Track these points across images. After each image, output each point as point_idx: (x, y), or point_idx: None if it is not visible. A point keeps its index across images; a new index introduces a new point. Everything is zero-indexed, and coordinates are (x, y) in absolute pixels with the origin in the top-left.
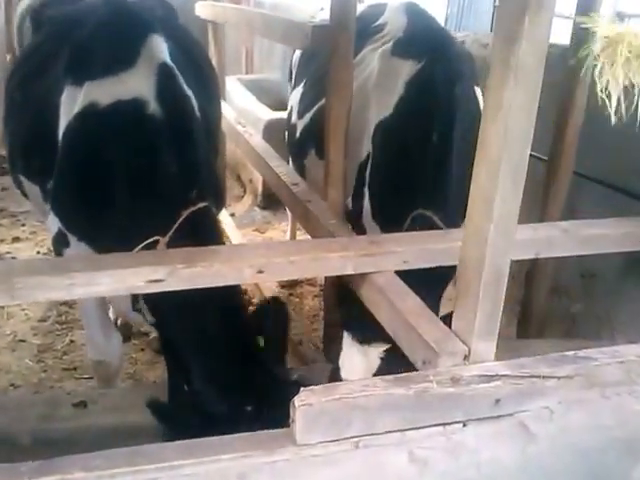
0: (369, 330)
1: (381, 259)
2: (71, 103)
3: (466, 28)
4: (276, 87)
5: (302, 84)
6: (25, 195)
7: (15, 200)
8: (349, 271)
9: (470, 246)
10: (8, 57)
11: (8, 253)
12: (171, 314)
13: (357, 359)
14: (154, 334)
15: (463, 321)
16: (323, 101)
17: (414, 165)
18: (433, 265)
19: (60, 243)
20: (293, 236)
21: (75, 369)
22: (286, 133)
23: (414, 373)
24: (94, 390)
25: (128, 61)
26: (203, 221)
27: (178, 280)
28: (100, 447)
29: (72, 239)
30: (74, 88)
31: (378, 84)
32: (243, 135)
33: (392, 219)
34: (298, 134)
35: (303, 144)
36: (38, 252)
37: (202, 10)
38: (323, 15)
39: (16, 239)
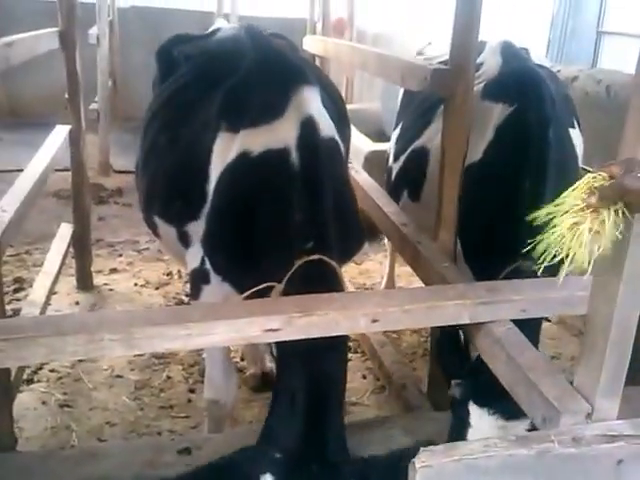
0: (504, 402)
1: (499, 308)
2: (226, 150)
3: (568, 54)
4: (376, 117)
5: (399, 126)
6: (156, 235)
7: (112, 230)
8: (465, 320)
9: (598, 301)
10: (110, 82)
11: (106, 285)
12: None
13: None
14: (251, 371)
15: (587, 378)
16: (416, 144)
17: (507, 214)
18: (552, 314)
19: (200, 279)
20: (392, 269)
21: (172, 407)
22: (385, 175)
23: (535, 433)
24: (198, 434)
25: (279, 110)
26: (318, 271)
27: (294, 329)
28: None
29: (215, 278)
30: (229, 135)
31: None
32: (349, 170)
33: (487, 270)
34: (393, 177)
35: (397, 187)
36: (135, 284)
37: (311, 45)
38: (431, 50)
39: (113, 270)
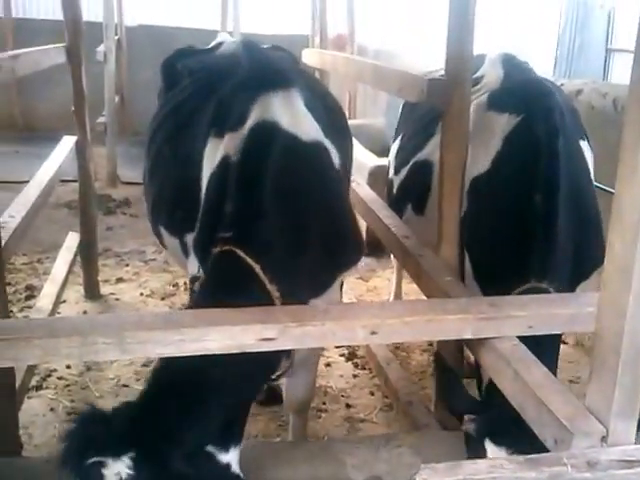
0: (522, 437)
1: (503, 323)
2: (213, 155)
3: (576, 71)
4: (380, 133)
5: (399, 139)
6: (163, 245)
7: (119, 240)
8: (467, 335)
9: (606, 317)
10: (117, 98)
11: (112, 294)
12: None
13: None
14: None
15: (599, 397)
16: (418, 156)
17: (518, 229)
18: (560, 332)
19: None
20: (399, 286)
21: None
22: (385, 188)
23: (546, 454)
24: None
25: (245, 116)
26: (228, 262)
27: (289, 339)
28: None
29: None
30: (217, 140)
31: (473, 138)
32: (350, 184)
33: (498, 287)
34: (395, 190)
35: (400, 200)
36: (141, 294)
37: (310, 58)
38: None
39: (120, 280)
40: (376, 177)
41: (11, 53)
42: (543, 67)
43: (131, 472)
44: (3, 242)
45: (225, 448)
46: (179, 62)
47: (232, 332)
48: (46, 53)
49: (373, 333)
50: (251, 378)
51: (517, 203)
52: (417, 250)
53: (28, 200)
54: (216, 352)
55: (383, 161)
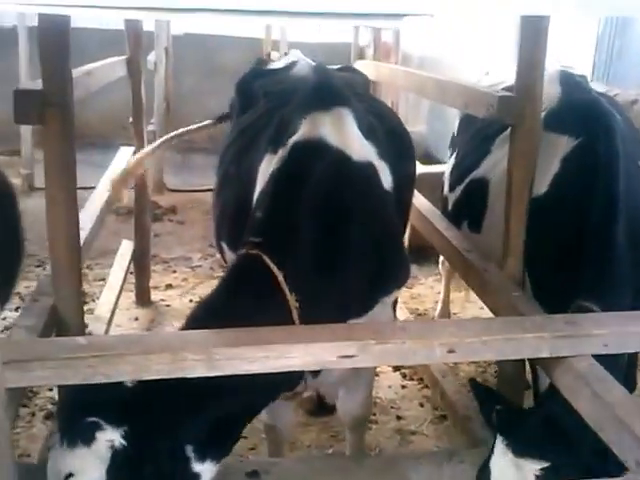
0: (528, 441)
1: (579, 342)
2: (266, 170)
3: (615, 76)
4: (422, 140)
5: (454, 155)
6: (225, 261)
7: (166, 247)
8: (544, 354)
9: None
10: (164, 105)
11: (162, 301)
12: None
13: (509, 472)
14: (307, 394)
15: None
16: (475, 174)
17: (574, 251)
18: (638, 351)
19: None
20: (447, 296)
21: None
22: (440, 205)
23: (628, 476)
24: (265, 458)
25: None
26: (252, 267)
27: (369, 356)
28: None
29: None
30: (271, 156)
31: None
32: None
33: (552, 306)
34: (450, 207)
35: (455, 217)
36: (190, 300)
37: (364, 69)
38: (488, 80)
39: (169, 286)
40: (419, 185)
41: (84, 70)
42: (581, 72)
43: (125, 444)
44: None
45: (202, 458)
46: (256, 82)
47: (313, 349)
48: (111, 67)
49: (451, 351)
50: (258, 394)
51: (574, 225)
52: (481, 264)
53: (94, 212)
54: (298, 369)
55: (426, 169)
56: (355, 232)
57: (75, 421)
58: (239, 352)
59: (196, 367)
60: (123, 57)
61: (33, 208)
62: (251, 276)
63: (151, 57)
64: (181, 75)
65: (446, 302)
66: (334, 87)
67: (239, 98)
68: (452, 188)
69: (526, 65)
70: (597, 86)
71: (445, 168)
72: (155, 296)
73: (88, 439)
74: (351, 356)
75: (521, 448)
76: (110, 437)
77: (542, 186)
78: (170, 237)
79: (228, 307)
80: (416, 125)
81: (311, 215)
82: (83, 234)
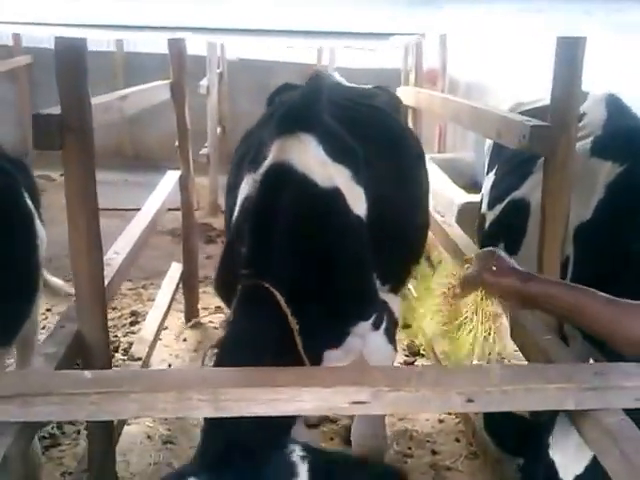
0: None
1: (609, 394)
2: (244, 189)
3: None
4: (470, 168)
5: (493, 172)
6: None
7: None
8: (570, 407)
9: None
10: (219, 129)
11: (211, 322)
12: None
13: None
14: (344, 422)
15: None
16: (515, 194)
17: (619, 277)
18: None
19: None
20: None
21: None
22: (476, 222)
23: None
24: None
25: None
26: (255, 296)
27: (382, 404)
28: None
29: None
30: (251, 175)
31: (575, 184)
32: (441, 225)
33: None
34: (487, 226)
35: (492, 237)
36: None
37: (404, 95)
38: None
39: (218, 308)
40: (464, 214)
41: (120, 93)
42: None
43: None
44: (106, 281)
45: None
46: (279, 95)
47: (325, 394)
48: (152, 91)
49: (470, 401)
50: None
51: (620, 253)
52: None
53: (133, 235)
54: (308, 413)
55: (472, 197)
56: (317, 261)
57: None
58: (247, 393)
59: (202, 407)
60: (167, 81)
61: None
62: (258, 303)
63: (204, 82)
64: (236, 99)
65: None
66: (303, 111)
67: (265, 112)
68: (491, 206)
69: (561, 92)
70: None
71: (484, 186)
72: (204, 318)
73: None
74: (364, 402)
75: None
76: None
77: (588, 211)
78: None
79: (251, 335)
80: (463, 151)
81: (281, 244)
82: (119, 259)
